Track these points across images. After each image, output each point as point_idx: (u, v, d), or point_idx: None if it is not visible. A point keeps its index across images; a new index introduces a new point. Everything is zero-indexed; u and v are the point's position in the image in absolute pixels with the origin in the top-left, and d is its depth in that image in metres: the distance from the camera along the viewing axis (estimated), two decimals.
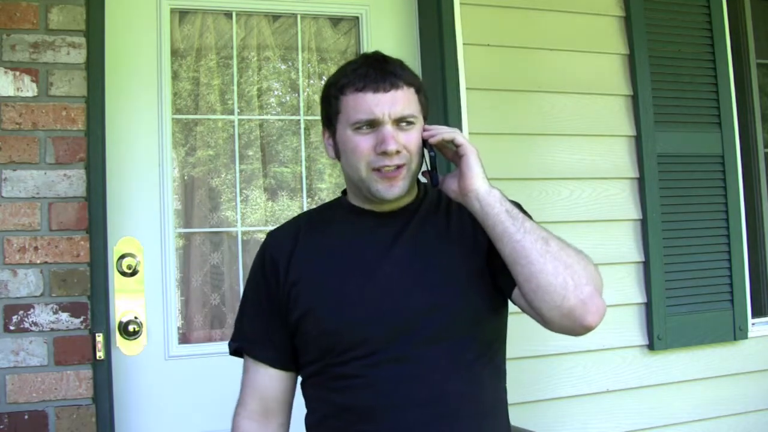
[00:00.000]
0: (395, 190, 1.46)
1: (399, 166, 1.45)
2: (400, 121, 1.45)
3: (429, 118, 2.61)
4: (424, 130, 1.49)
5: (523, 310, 1.42)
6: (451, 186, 1.47)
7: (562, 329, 1.37)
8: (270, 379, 1.55)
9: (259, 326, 1.55)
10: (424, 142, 1.48)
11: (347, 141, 1.47)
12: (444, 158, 1.54)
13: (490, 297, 1.47)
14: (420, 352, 1.41)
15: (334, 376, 1.45)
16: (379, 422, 1.39)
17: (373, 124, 1.45)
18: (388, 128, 1.44)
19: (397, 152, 1.44)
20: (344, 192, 1.61)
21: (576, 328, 1.35)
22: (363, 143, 1.45)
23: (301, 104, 2.62)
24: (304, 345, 1.50)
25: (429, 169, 1.50)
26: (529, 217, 1.48)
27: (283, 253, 1.53)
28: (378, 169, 1.45)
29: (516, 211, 1.42)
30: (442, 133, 1.47)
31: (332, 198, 2.64)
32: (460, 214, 1.53)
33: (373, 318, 1.43)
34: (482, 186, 1.43)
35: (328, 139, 1.55)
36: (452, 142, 1.46)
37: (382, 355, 1.41)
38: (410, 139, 1.46)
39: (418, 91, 1.50)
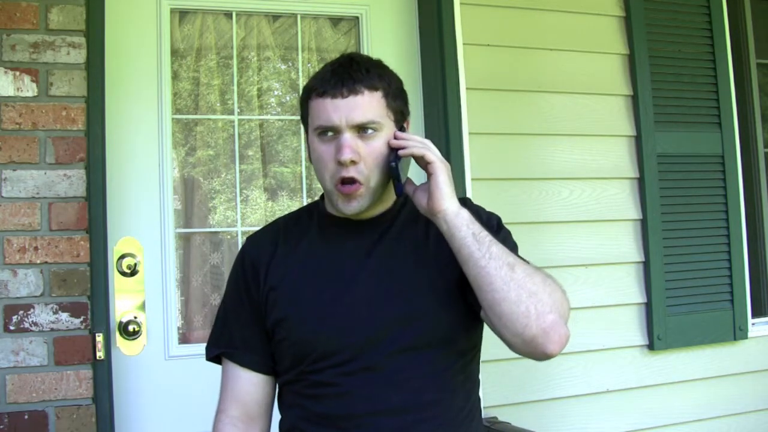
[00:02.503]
0: (353, 207, 1.41)
1: (354, 181, 1.39)
2: (360, 129, 1.39)
3: (430, 117, 2.62)
4: (395, 137, 1.42)
5: (491, 329, 1.40)
6: (420, 201, 1.41)
7: (525, 354, 1.35)
8: (252, 384, 1.54)
9: (241, 331, 1.54)
10: (392, 150, 1.41)
11: (313, 148, 1.44)
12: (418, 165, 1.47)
13: (466, 309, 1.43)
14: (394, 360, 1.39)
15: (309, 384, 1.44)
16: (354, 429, 1.39)
17: (334, 131, 1.40)
18: (346, 136, 1.38)
19: (353, 162, 1.38)
20: (322, 197, 1.56)
21: (537, 355, 1.34)
22: (326, 152, 1.40)
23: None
24: (278, 351, 1.49)
25: (392, 177, 1.41)
26: (509, 238, 1.48)
27: (262, 258, 1.52)
28: (341, 182, 1.40)
29: (484, 234, 1.36)
30: (411, 147, 1.39)
31: None
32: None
33: (347, 327, 1.41)
34: (450, 207, 1.36)
35: (306, 143, 1.52)
36: (423, 158, 1.39)
37: (357, 363, 1.40)
38: (372, 148, 1.39)
39: (386, 96, 1.42)
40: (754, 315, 2.96)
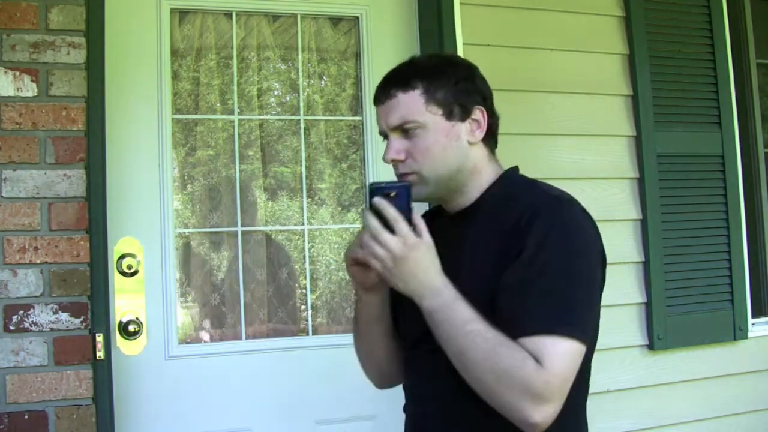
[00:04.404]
0: (416, 195, 1.39)
1: (406, 174, 1.41)
2: (402, 130, 1.41)
3: None
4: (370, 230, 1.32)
5: None
6: None
7: None
8: None
9: None
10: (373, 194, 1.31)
11: None
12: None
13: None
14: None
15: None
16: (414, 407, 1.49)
17: (385, 136, 1.45)
18: (390, 139, 1.43)
19: (401, 161, 1.41)
20: None
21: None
22: None
23: (301, 104, 2.62)
24: None
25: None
26: (548, 263, 1.31)
27: None
28: (398, 178, 1.43)
29: (454, 321, 1.28)
30: (360, 254, 1.35)
31: (332, 198, 2.66)
32: (514, 230, 1.34)
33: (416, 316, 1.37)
34: (422, 303, 1.32)
35: None
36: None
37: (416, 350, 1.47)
38: (416, 144, 1.40)
39: (426, 92, 1.40)
40: (754, 315, 2.95)
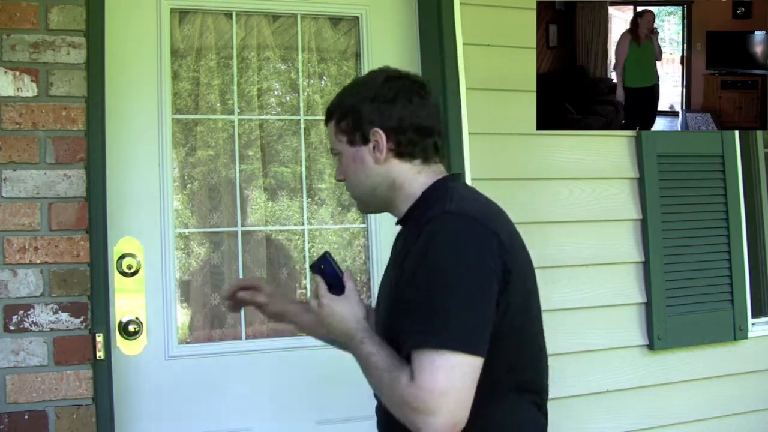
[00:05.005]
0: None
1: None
2: (334, 154, 1.63)
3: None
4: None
5: None
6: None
7: None
8: None
9: None
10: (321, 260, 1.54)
11: None
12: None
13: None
14: None
15: None
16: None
17: None
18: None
19: (341, 180, 1.62)
20: None
21: None
22: None
23: (301, 104, 2.62)
24: None
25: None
26: (431, 272, 1.38)
27: None
28: None
29: (362, 358, 1.46)
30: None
31: (332, 198, 2.65)
32: (410, 245, 1.45)
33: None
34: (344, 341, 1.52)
35: None
36: None
37: None
38: (342, 168, 1.59)
39: (337, 122, 1.56)
40: (754, 315, 2.96)
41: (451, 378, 1.29)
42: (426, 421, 1.29)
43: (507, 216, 1.54)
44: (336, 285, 1.51)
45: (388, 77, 1.56)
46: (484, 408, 1.36)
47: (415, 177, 1.53)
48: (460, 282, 1.35)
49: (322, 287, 1.52)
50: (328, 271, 1.52)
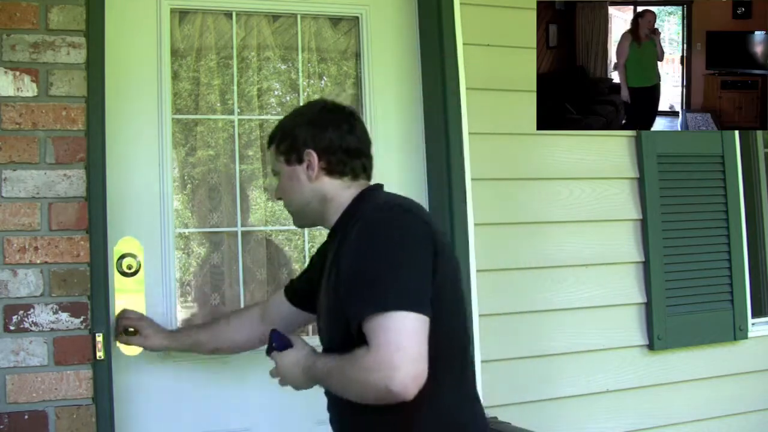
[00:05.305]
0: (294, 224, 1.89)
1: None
2: (274, 174, 1.87)
3: (430, 117, 2.62)
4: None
5: None
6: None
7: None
8: None
9: None
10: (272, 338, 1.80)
11: None
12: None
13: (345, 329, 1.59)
14: None
15: None
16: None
17: None
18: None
19: (279, 199, 1.85)
20: None
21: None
22: None
23: (301, 104, 2.62)
24: None
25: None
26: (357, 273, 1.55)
27: None
28: None
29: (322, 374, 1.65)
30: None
31: None
32: (344, 245, 1.62)
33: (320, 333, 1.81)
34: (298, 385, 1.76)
35: None
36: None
37: None
38: (280, 187, 1.82)
39: (276, 146, 1.80)
40: (754, 315, 2.96)
41: (403, 334, 1.42)
42: (390, 376, 1.40)
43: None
44: (289, 346, 1.76)
45: (323, 108, 1.81)
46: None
47: (344, 191, 1.74)
48: (394, 254, 1.50)
49: (275, 359, 1.78)
50: (278, 345, 1.77)
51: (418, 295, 1.46)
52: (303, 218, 1.83)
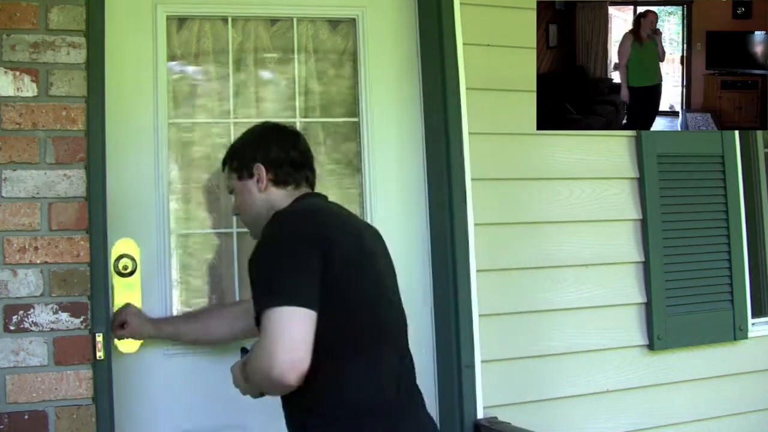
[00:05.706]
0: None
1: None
2: (230, 192, 2.05)
3: (430, 117, 2.62)
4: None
5: None
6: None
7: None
8: None
9: None
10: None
11: None
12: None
13: None
14: None
15: None
16: None
17: None
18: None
19: (237, 214, 2.07)
20: None
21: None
22: None
23: (298, 106, 2.61)
24: None
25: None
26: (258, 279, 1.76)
27: None
28: None
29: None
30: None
31: (332, 201, 2.65)
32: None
33: None
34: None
35: None
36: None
37: None
38: (236, 202, 2.02)
39: (229, 166, 2.01)
40: (754, 315, 2.96)
41: (280, 325, 1.62)
42: (270, 364, 1.60)
43: (355, 221, 1.97)
44: None
45: (268, 128, 2.04)
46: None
47: (287, 199, 1.92)
48: (276, 257, 1.70)
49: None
50: (243, 354, 1.86)
51: (297, 292, 1.65)
52: (256, 227, 1.92)
